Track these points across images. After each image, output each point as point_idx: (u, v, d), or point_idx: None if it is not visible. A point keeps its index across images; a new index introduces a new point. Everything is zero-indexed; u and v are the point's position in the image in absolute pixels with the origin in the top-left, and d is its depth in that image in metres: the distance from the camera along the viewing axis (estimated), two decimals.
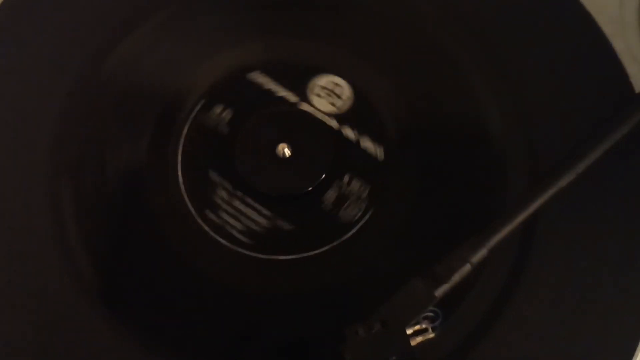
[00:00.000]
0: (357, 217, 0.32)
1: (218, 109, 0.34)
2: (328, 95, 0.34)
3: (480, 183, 0.32)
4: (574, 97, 0.33)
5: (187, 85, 0.34)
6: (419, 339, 0.27)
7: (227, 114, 0.34)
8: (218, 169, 0.33)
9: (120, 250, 0.31)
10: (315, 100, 0.34)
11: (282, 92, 0.34)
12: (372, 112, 0.34)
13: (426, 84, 0.34)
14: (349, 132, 0.34)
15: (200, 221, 0.32)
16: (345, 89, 0.34)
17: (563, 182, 0.28)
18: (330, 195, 0.32)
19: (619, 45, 0.34)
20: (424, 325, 0.27)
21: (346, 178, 0.33)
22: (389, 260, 0.31)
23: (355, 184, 0.33)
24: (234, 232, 0.32)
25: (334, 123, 0.34)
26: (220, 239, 0.32)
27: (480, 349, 0.29)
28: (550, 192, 0.28)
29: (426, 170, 0.33)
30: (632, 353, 0.29)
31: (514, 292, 0.30)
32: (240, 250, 0.31)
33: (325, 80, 0.34)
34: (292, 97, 0.34)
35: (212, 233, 0.32)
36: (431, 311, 0.27)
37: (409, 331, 0.27)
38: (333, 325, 0.28)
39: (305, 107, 0.34)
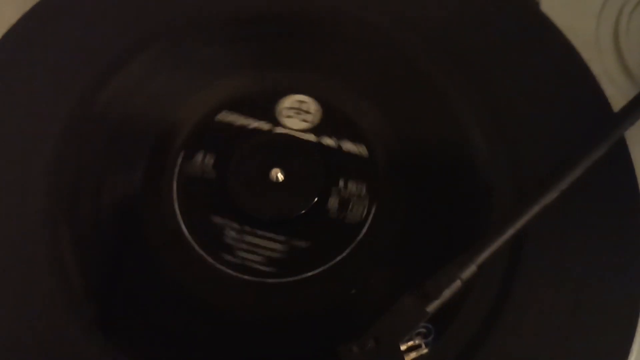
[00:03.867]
0: (364, 215, 0.33)
1: (199, 157, 0.34)
2: (297, 113, 0.35)
3: (468, 203, 0.33)
4: (555, 119, 0.34)
5: (171, 122, 0.35)
6: (413, 354, 0.27)
7: (209, 159, 0.34)
8: (219, 212, 0.33)
9: (117, 283, 0.32)
10: (287, 122, 0.35)
11: (254, 124, 0.35)
12: (342, 116, 0.35)
13: (383, 87, 0.36)
14: (328, 141, 0.35)
15: (219, 265, 0.32)
16: (310, 104, 0.36)
17: (547, 199, 0.28)
18: (333, 202, 0.33)
19: (596, 69, 0.35)
20: (417, 341, 0.27)
21: (341, 183, 0.34)
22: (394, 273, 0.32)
23: (352, 186, 0.34)
24: (256, 265, 0.32)
25: (311, 137, 0.35)
26: (244, 276, 0.32)
27: None
28: (535, 209, 0.28)
29: (415, 189, 0.34)
30: None
31: (505, 307, 0.30)
32: (265, 280, 0.32)
33: (289, 101, 0.36)
34: (264, 126, 0.35)
35: (234, 273, 0.32)
36: (423, 327, 0.27)
37: (402, 347, 0.27)
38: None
39: (280, 130, 0.35)
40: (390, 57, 0.36)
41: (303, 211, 0.33)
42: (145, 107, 0.36)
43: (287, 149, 0.34)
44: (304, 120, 0.35)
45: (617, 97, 0.34)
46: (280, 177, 0.33)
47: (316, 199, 0.33)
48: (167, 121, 0.35)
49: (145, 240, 0.33)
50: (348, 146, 0.35)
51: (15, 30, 0.37)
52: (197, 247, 0.32)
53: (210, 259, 0.32)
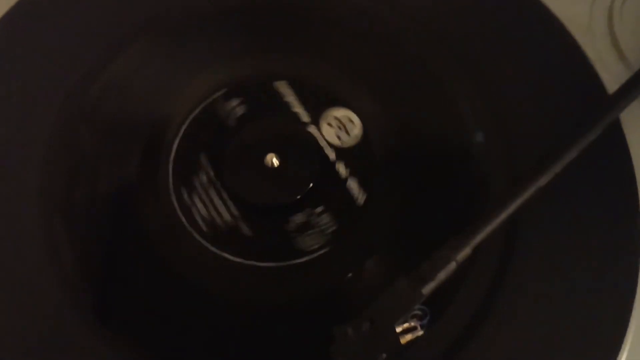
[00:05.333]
0: (311, 249, 0.31)
1: (235, 102, 0.35)
2: (338, 127, 0.34)
3: (463, 189, 0.33)
4: (551, 104, 0.34)
5: (166, 112, 0.35)
6: (408, 336, 0.27)
7: (240, 109, 0.35)
8: (209, 156, 0.33)
9: (114, 273, 0.32)
10: (325, 128, 0.34)
11: (298, 109, 0.35)
12: (372, 159, 0.34)
13: (437, 137, 0.35)
14: (341, 168, 0.33)
15: (173, 197, 0.32)
16: (356, 128, 0.34)
17: (541, 181, 0.28)
18: (299, 218, 0.32)
19: (590, 53, 0.35)
20: (412, 323, 0.27)
21: (319, 209, 0.32)
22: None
23: (325, 218, 0.32)
24: (196, 216, 0.32)
25: (332, 155, 0.33)
26: (181, 216, 0.32)
27: (469, 345, 0.29)
28: (529, 191, 0.28)
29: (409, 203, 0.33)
30: (618, 349, 0.29)
31: (500, 290, 0.30)
32: (192, 232, 0.32)
33: (343, 113, 0.35)
34: (305, 117, 0.34)
35: (177, 209, 0.32)
36: (419, 309, 0.27)
37: (398, 329, 0.26)
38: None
39: (312, 129, 0.34)
40: (386, 45, 0.35)
41: (298, 197, 0.32)
42: (139, 98, 0.35)
43: (282, 134, 0.34)
44: (339, 137, 0.34)
45: (611, 81, 0.34)
46: (276, 162, 0.32)
47: (311, 185, 0.32)
48: (161, 111, 0.35)
49: (142, 229, 0.33)
50: (353, 185, 0.33)
51: (3, 24, 0.36)
52: (194, 235, 0.32)
53: (207, 246, 0.32)
